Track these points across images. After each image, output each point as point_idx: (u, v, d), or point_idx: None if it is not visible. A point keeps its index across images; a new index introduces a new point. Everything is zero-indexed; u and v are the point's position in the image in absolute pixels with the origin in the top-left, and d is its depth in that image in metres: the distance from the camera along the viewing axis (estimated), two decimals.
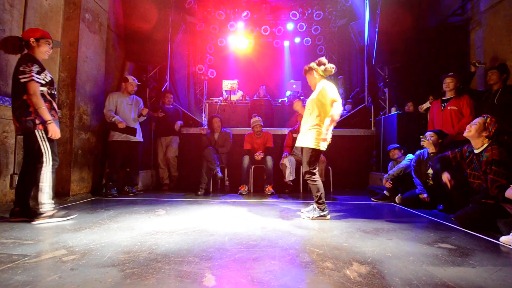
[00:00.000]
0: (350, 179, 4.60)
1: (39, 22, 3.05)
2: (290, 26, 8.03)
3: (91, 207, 2.81)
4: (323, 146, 2.45)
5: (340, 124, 5.29)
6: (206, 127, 4.65)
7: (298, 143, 2.60)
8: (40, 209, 2.20)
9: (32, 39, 2.21)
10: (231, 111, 6.36)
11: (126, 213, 2.57)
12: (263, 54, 9.02)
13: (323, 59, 2.57)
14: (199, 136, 4.49)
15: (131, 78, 3.77)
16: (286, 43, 8.59)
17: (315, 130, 2.45)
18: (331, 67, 2.53)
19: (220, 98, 6.79)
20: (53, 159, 2.25)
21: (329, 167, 4.29)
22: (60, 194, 3.19)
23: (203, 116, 7.49)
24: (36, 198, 2.20)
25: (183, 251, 1.58)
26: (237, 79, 6.94)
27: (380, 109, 4.80)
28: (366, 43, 5.10)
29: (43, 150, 2.19)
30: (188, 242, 1.75)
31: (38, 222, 2.15)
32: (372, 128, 4.80)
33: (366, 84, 5.21)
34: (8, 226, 2.04)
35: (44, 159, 2.19)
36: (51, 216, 2.22)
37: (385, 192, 3.48)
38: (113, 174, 3.55)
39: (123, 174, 3.74)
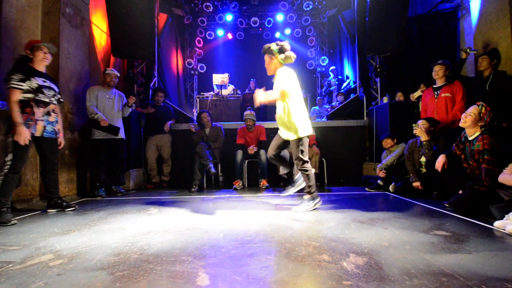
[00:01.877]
0: (344, 170, 4.61)
1: (17, 17, 2.89)
2: (279, 17, 7.92)
3: (80, 209, 2.73)
4: (305, 132, 2.40)
5: (332, 115, 5.27)
6: (196, 123, 4.56)
7: (284, 137, 2.54)
8: None
9: (28, 51, 2.44)
10: (222, 105, 6.28)
11: (117, 213, 2.49)
12: (253, 46, 8.88)
13: (286, 45, 2.44)
14: (191, 133, 4.41)
15: (108, 69, 3.60)
16: (277, 35, 8.48)
17: (293, 122, 2.40)
18: (293, 56, 2.44)
19: (211, 92, 6.68)
20: (12, 165, 2.26)
21: (323, 159, 4.28)
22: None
23: (195, 111, 7.38)
24: None
25: (176, 250, 1.53)
26: (228, 72, 6.83)
27: (372, 99, 4.79)
28: (356, 33, 5.05)
29: (8, 155, 2.27)
30: (182, 240, 1.70)
31: None
32: (365, 118, 4.80)
33: (358, 74, 5.18)
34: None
35: (4, 164, 2.26)
36: None
37: (379, 181, 3.49)
38: (99, 174, 3.43)
39: (110, 173, 3.62)
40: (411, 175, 3.08)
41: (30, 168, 2.99)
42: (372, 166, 4.20)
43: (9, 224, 2.14)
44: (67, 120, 3.29)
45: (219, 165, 4.29)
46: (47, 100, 2.47)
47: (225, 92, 6.55)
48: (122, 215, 2.41)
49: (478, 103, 2.35)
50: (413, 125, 3.09)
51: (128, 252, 1.52)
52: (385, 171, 3.42)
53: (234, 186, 3.88)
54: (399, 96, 4.38)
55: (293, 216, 2.27)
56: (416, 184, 3.02)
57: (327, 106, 6.37)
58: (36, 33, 3.14)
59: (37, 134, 2.43)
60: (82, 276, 1.23)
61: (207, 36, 8.27)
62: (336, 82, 7.15)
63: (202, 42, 8.41)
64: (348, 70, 7.11)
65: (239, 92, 6.80)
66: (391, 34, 4.12)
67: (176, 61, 7.51)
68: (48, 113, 2.51)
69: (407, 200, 2.89)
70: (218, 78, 6.55)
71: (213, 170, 3.69)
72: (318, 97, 6.76)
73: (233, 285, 1.13)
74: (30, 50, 2.43)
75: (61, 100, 2.70)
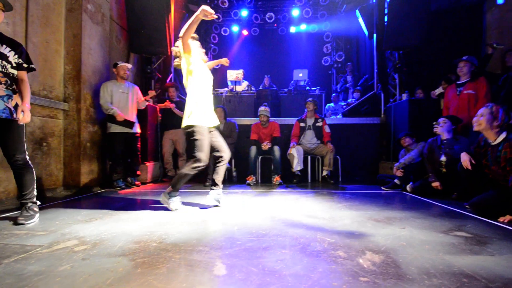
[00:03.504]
0: (359, 168, 4.53)
1: (42, 14, 3.02)
2: (295, 12, 7.82)
3: (101, 199, 2.84)
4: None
5: (348, 113, 5.18)
6: None
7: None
8: None
9: None
10: (237, 101, 6.30)
11: (135, 204, 2.58)
12: (268, 42, 8.85)
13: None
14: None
15: (120, 62, 3.64)
16: (292, 30, 8.38)
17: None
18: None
19: (226, 88, 6.72)
20: None
21: (337, 157, 4.23)
22: (71, 186, 3.23)
23: None
24: None
25: (193, 240, 1.57)
26: (242, 68, 6.84)
27: (390, 96, 4.67)
28: (375, 28, 4.92)
29: None
30: (198, 231, 1.75)
31: None
32: (382, 116, 4.68)
33: (376, 70, 5.06)
34: None
35: None
36: None
37: (396, 181, 3.41)
38: (115, 166, 3.55)
39: (126, 165, 3.73)
40: (430, 174, 2.99)
41: (54, 159, 3.14)
42: (388, 165, 4.10)
43: None
44: (88, 113, 3.42)
45: (233, 161, 4.33)
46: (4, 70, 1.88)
47: (239, 88, 6.57)
48: (140, 206, 2.49)
49: (487, 105, 2.24)
50: (434, 123, 2.99)
51: (148, 240, 1.57)
52: (402, 170, 3.33)
53: (248, 181, 3.91)
54: (419, 93, 4.24)
55: (307, 213, 2.27)
56: (436, 184, 2.93)
57: (343, 103, 6.27)
58: (60, 29, 3.27)
59: None
60: (105, 261, 1.29)
61: (222, 32, 8.31)
62: (352, 79, 7.01)
63: (217, 38, 8.46)
64: (365, 66, 6.95)
65: (253, 88, 6.80)
66: (412, 28, 3.98)
67: None
68: None
69: (426, 200, 2.81)
70: (233, 74, 6.57)
71: (227, 165, 3.73)
72: (334, 94, 6.64)
73: (249, 275, 1.15)
74: None
75: (24, 65, 2.01)
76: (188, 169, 2.28)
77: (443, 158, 2.97)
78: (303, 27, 8.25)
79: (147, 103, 3.85)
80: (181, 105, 4.60)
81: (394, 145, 4.07)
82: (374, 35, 5.03)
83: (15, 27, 2.71)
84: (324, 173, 3.99)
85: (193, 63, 2.31)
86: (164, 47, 4.47)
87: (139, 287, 1.05)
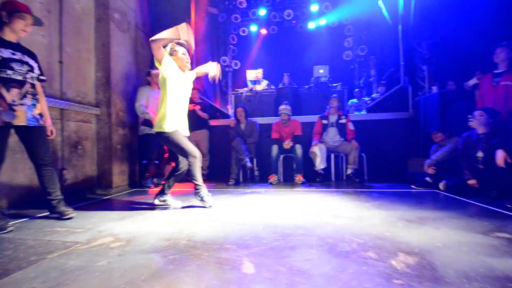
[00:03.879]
0: (386, 166, 4.35)
1: (73, 25, 3.23)
2: (314, 7, 7.67)
3: (131, 198, 2.99)
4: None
5: (373, 108, 4.99)
6: (235, 118, 4.66)
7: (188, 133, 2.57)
8: None
9: (3, 13, 1.89)
10: (256, 101, 6.32)
11: None
12: (286, 40, 8.76)
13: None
14: (227, 128, 4.52)
15: (154, 70, 3.80)
16: (311, 26, 8.23)
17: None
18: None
19: (245, 88, 6.76)
20: None
21: (363, 154, 4.09)
22: (104, 186, 3.43)
23: (229, 107, 7.54)
24: None
25: (220, 238, 1.60)
26: (262, 68, 6.84)
27: (419, 89, 4.42)
28: (400, 17, 4.69)
29: None
30: (224, 230, 1.78)
31: None
32: (410, 110, 4.46)
33: (402, 62, 4.82)
34: None
35: None
36: None
37: (427, 178, 3.23)
38: (146, 167, 3.73)
39: (154, 166, 3.89)
40: (465, 172, 2.80)
41: (88, 161, 3.35)
42: (418, 162, 3.89)
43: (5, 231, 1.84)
44: (118, 117, 3.61)
45: (255, 160, 4.35)
46: (20, 77, 1.94)
47: (259, 87, 6.58)
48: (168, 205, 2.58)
49: None
50: (469, 116, 2.80)
51: (177, 238, 1.63)
52: (434, 168, 3.15)
53: (270, 180, 3.91)
54: (451, 85, 3.98)
55: (333, 212, 2.22)
56: (472, 182, 2.74)
57: (367, 98, 6.05)
58: (90, 39, 3.47)
59: (19, 122, 1.95)
60: (139, 258, 1.36)
61: (240, 32, 8.35)
62: (377, 73, 6.74)
63: (236, 39, 8.52)
64: (390, 59, 6.64)
65: (273, 87, 6.78)
66: (442, 16, 3.74)
67: (212, 59, 7.73)
68: (25, 95, 1.98)
69: (461, 199, 2.64)
70: (252, 74, 6.60)
71: (249, 164, 3.77)
72: (357, 89, 6.43)
73: (277, 275, 1.15)
74: (8, 13, 1.89)
75: (42, 77, 2.15)
76: (195, 168, 2.44)
77: (479, 154, 2.77)
78: (323, 22, 8.06)
79: None
80: (203, 107, 4.71)
81: (424, 141, 3.85)
82: (399, 26, 4.80)
83: (51, 39, 2.91)
84: (349, 171, 3.89)
85: (164, 71, 2.31)
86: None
87: (172, 283, 1.10)
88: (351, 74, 8.40)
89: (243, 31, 8.36)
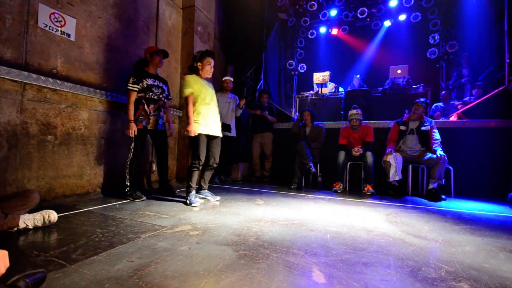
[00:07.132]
0: (482, 183, 3.63)
1: (165, 39, 3.75)
2: (393, 2, 7.02)
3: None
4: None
5: (466, 114, 4.26)
6: (293, 121, 4.66)
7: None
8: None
9: (147, 56, 2.88)
10: (322, 104, 6.14)
11: (232, 199, 2.87)
12: (358, 40, 8.26)
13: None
14: (290, 131, 4.53)
15: (224, 77, 4.21)
16: (387, 23, 7.55)
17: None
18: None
19: (311, 92, 6.65)
20: (133, 153, 2.72)
21: (450, 167, 3.52)
22: (181, 179, 3.87)
23: (293, 111, 7.53)
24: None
25: (287, 242, 1.62)
26: (329, 70, 6.61)
27: None
28: (506, 5, 3.87)
29: (131, 145, 2.75)
30: (290, 234, 1.79)
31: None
32: None
33: (507, 60, 3.96)
34: (149, 203, 2.62)
35: (129, 151, 2.74)
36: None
37: None
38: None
39: (221, 164, 4.18)
40: None
41: (171, 156, 3.83)
42: None
43: (139, 200, 2.66)
44: None
45: (319, 165, 4.23)
46: (155, 97, 2.81)
47: (325, 90, 6.38)
48: (236, 202, 2.75)
49: None
50: None
51: (246, 235, 1.72)
52: None
53: (334, 188, 3.73)
54: None
55: (410, 230, 1.98)
56: None
57: (457, 102, 5.18)
58: (177, 50, 3.98)
59: (150, 127, 2.79)
60: (214, 248, 1.49)
61: (308, 35, 8.27)
62: (470, 72, 5.71)
63: (303, 42, 8.48)
64: (488, 57, 5.54)
65: (340, 89, 6.48)
66: None
67: (279, 63, 7.87)
68: (158, 109, 2.86)
69: None
70: (319, 77, 6.45)
71: (313, 170, 3.69)
72: (444, 92, 5.57)
73: None
74: (150, 54, 2.85)
75: (170, 97, 3.06)
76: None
77: None
78: (402, 17, 7.31)
79: (241, 111, 4.24)
80: (270, 111, 4.85)
81: None
82: (505, 15, 3.95)
83: None
84: (431, 186, 3.39)
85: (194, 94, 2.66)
86: (256, 57, 4.82)
87: (245, 277, 1.16)
88: (436, 75, 7.34)
89: (312, 34, 8.26)
